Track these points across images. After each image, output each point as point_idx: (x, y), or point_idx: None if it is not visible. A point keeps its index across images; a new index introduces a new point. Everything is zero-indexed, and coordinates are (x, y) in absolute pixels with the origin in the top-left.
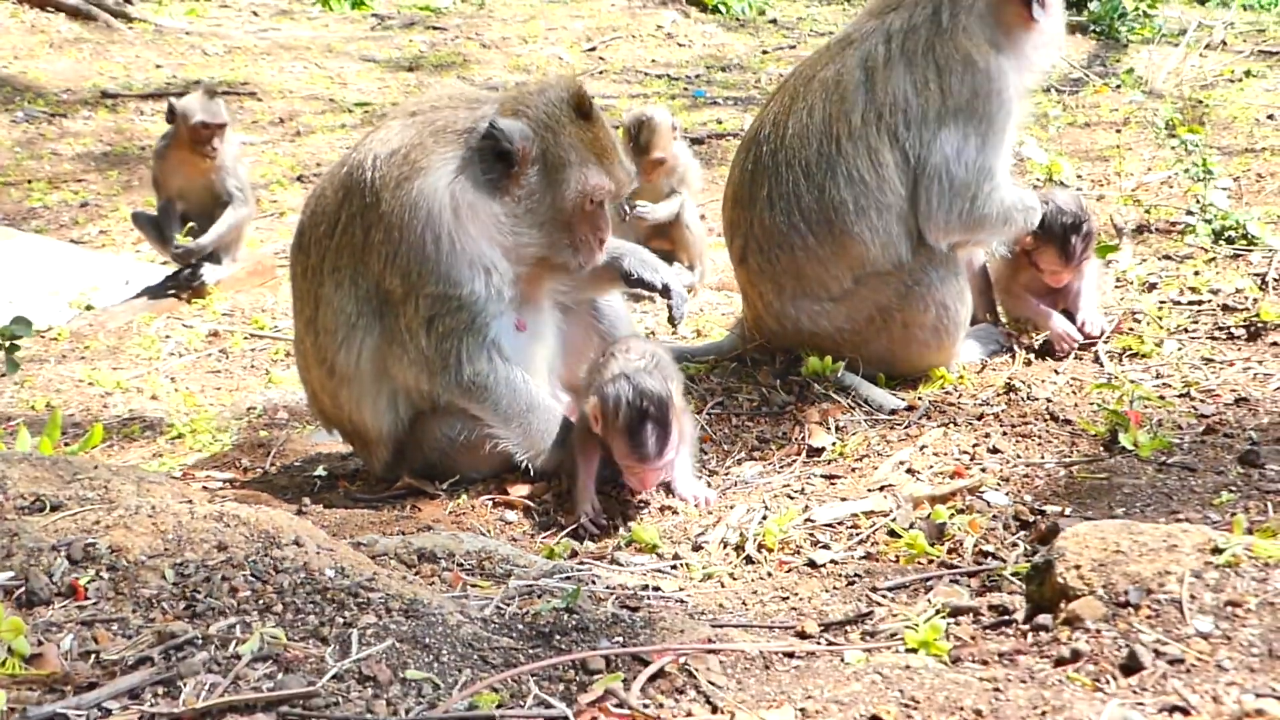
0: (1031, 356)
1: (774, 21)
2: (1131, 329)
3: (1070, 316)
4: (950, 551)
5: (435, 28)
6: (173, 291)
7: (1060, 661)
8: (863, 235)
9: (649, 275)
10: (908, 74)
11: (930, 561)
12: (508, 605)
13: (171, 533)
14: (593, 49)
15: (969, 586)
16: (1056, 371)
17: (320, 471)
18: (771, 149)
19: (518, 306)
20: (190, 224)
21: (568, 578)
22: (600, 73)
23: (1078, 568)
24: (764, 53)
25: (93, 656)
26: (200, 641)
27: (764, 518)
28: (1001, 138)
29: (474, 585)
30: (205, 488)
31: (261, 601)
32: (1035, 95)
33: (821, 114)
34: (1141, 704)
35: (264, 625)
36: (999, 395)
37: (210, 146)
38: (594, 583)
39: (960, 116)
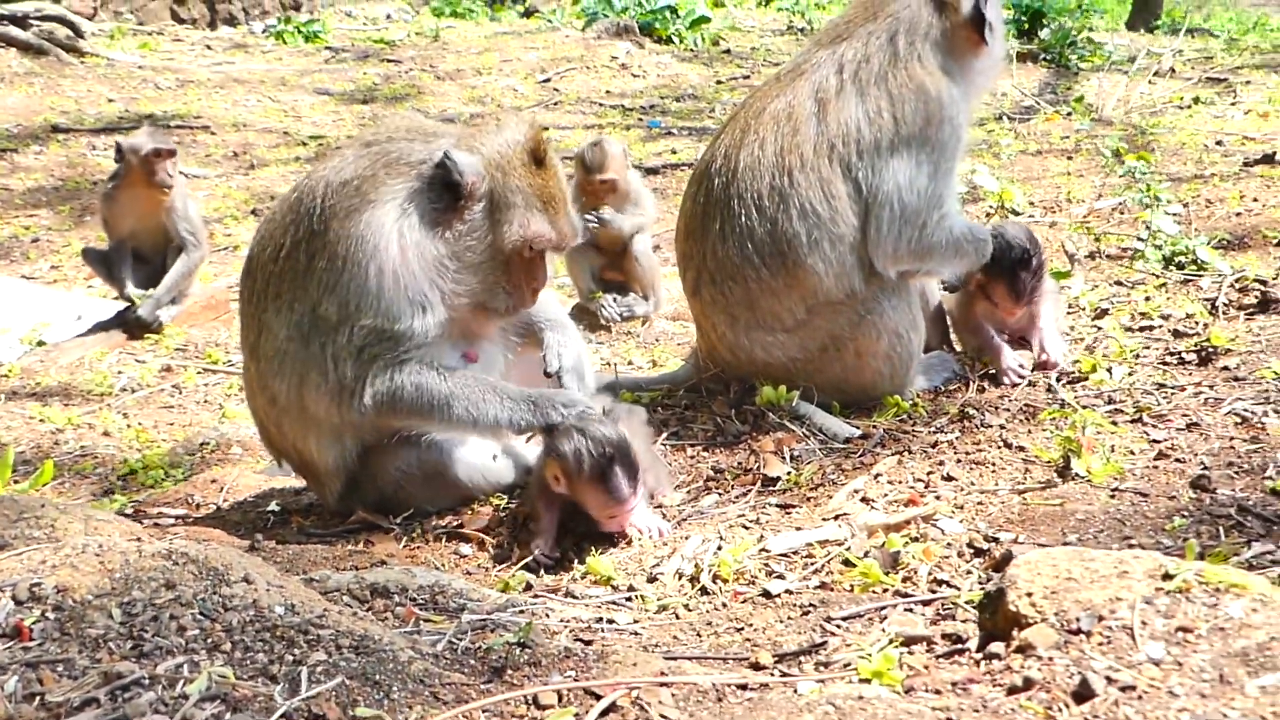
0: (985, 384)
1: (728, 52)
2: (1077, 364)
3: (1028, 345)
4: (905, 580)
5: (390, 60)
6: (126, 330)
7: (1013, 690)
8: (816, 267)
9: (551, 356)
10: (860, 103)
11: (885, 590)
12: (460, 640)
13: (119, 571)
14: (547, 80)
15: (923, 615)
16: (1009, 399)
17: (273, 506)
18: (724, 182)
19: (469, 340)
20: (149, 292)
21: (521, 611)
22: (555, 104)
23: (1030, 595)
24: (718, 83)
25: (38, 699)
26: (147, 681)
27: (719, 548)
28: (952, 165)
29: (427, 620)
30: (157, 524)
31: (210, 640)
32: (987, 123)
33: (773, 146)
34: None
35: (212, 664)
36: (953, 422)
37: (166, 174)
38: (548, 616)
39: (913, 144)
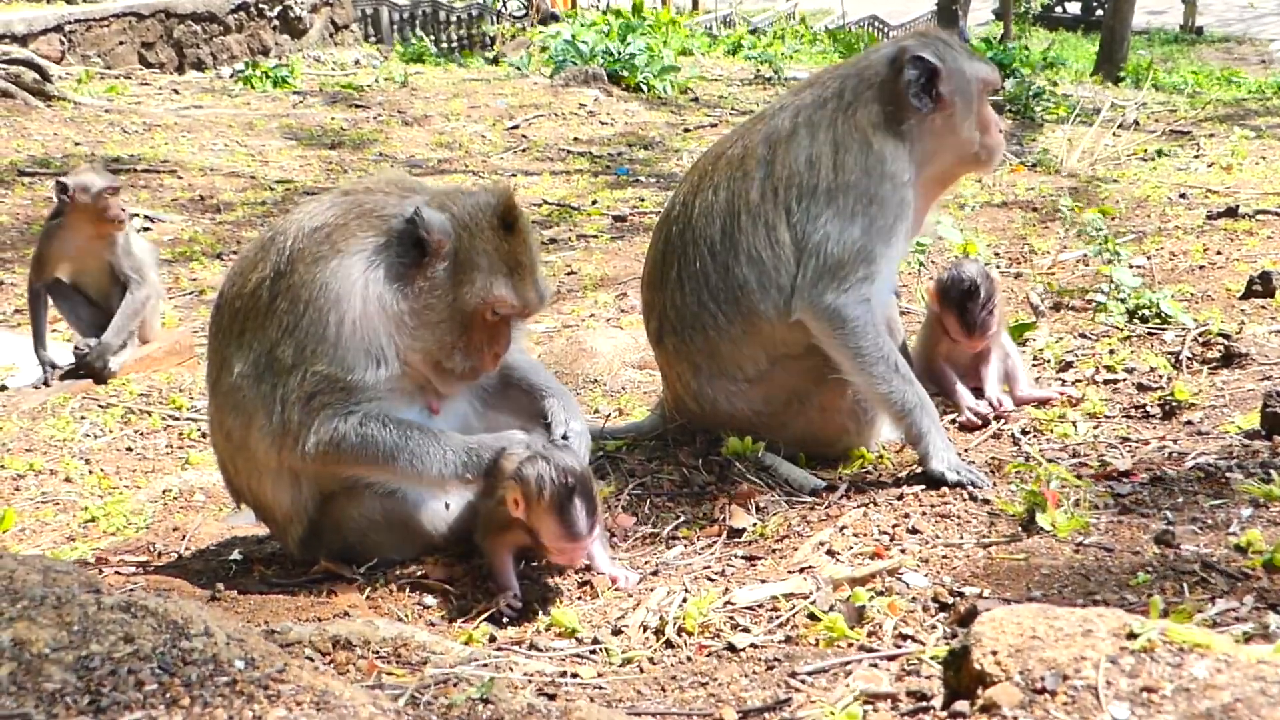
0: (949, 436)
1: (696, 100)
2: (1044, 409)
3: (981, 393)
4: (870, 634)
5: (358, 105)
6: (83, 374)
7: None
8: (768, 314)
9: (555, 418)
10: (807, 148)
11: (850, 645)
12: (422, 695)
13: (77, 624)
14: (515, 127)
15: (888, 671)
16: (973, 451)
17: (236, 555)
18: (680, 229)
19: (433, 396)
20: (89, 342)
21: (484, 665)
22: (523, 150)
23: (994, 653)
24: (685, 131)
25: None
26: None
27: (684, 600)
28: (890, 225)
29: (389, 674)
30: (118, 573)
31: (168, 695)
32: None
33: (726, 192)
34: None
35: None
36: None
37: (119, 210)
38: (511, 670)
39: (850, 194)
